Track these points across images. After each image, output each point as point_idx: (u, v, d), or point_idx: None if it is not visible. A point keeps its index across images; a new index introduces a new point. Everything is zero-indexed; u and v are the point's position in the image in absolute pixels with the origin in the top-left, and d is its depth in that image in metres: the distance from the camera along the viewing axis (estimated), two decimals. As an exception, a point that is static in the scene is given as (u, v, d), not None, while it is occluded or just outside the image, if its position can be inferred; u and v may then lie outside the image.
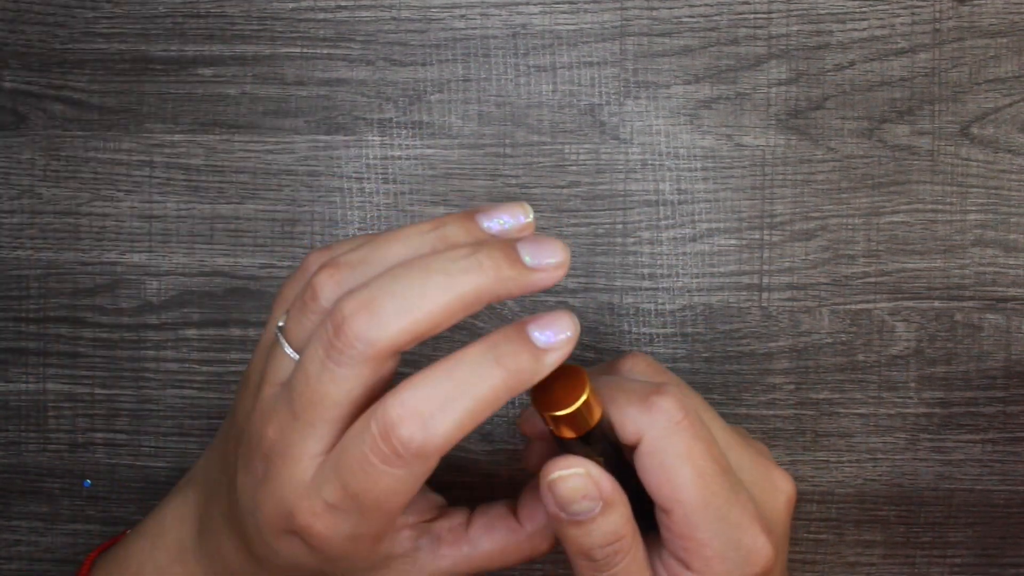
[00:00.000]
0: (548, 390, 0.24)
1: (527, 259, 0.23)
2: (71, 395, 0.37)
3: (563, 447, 0.25)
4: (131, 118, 0.37)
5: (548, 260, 0.23)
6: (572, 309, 0.36)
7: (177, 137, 0.37)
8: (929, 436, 0.36)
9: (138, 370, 0.37)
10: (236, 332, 0.37)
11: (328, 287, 0.24)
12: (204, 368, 0.37)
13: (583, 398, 0.24)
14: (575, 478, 0.24)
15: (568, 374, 0.24)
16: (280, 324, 0.25)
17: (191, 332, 0.37)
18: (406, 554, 0.26)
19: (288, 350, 0.25)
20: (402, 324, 0.22)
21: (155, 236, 0.37)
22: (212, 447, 0.30)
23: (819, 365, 0.36)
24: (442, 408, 0.22)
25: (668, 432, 0.25)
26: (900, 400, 0.36)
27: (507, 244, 0.23)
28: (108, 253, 0.37)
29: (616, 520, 0.25)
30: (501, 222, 0.25)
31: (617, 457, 0.26)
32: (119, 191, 0.37)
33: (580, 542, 0.25)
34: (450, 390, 0.22)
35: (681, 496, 0.25)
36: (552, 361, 0.23)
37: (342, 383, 0.23)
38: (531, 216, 0.25)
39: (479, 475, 0.37)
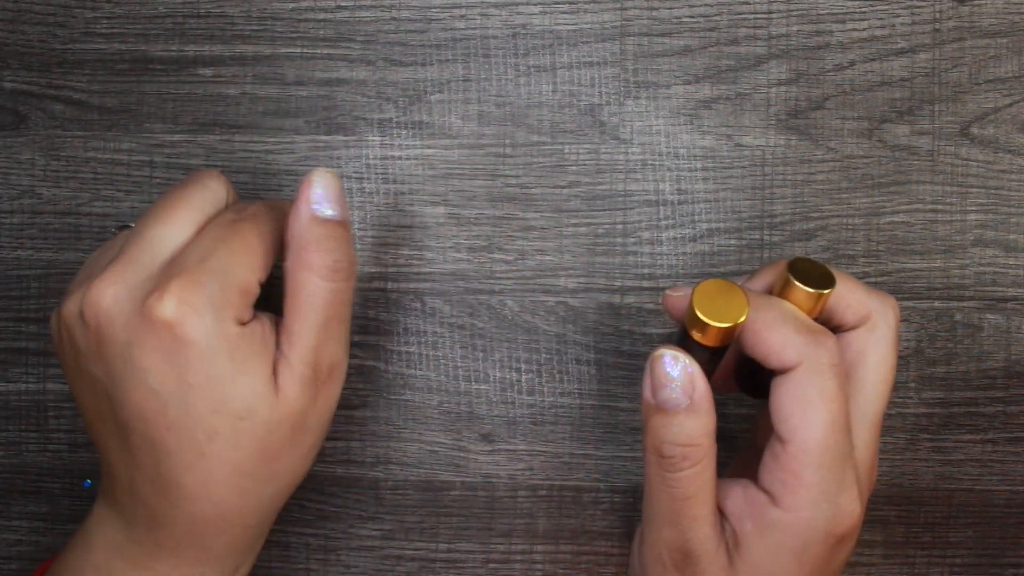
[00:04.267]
0: (710, 298, 0.26)
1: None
2: (71, 395, 0.37)
3: (689, 349, 0.27)
4: (131, 118, 0.37)
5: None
6: (572, 309, 0.36)
7: (177, 137, 0.37)
8: (929, 436, 0.36)
9: (138, 370, 0.37)
10: (236, 332, 0.37)
11: None
12: (204, 368, 0.37)
13: (741, 319, 0.25)
14: (679, 364, 0.26)
15: (732, 292, 0.26)
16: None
17: (191, 332, 0.37)
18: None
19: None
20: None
21: (155, 236, 0.37)
22: None
23: (819, 365, 0.36)
24: None
25: (823, 370, 0.25)
26: (900, 400, 0.36)
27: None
28: (108, 253, 0.37)
29: (696, 426, 0.26)
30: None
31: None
32: (119, 191, 0.37)
33: (657, 433, 0.26)
34: None
35: (807, 432, 0.25)
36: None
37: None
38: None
39: (479, 475, 0.37)
